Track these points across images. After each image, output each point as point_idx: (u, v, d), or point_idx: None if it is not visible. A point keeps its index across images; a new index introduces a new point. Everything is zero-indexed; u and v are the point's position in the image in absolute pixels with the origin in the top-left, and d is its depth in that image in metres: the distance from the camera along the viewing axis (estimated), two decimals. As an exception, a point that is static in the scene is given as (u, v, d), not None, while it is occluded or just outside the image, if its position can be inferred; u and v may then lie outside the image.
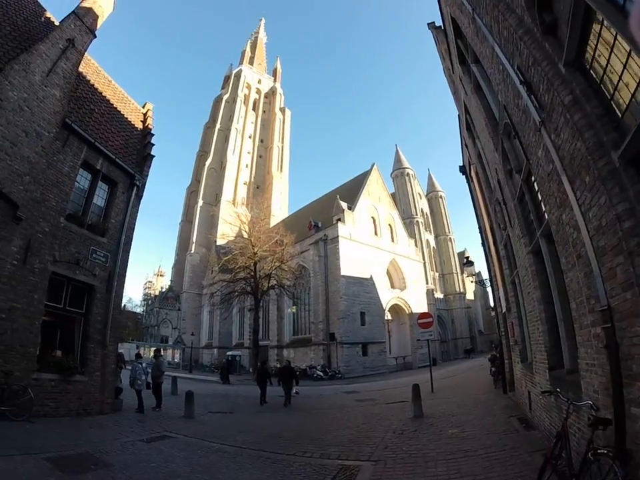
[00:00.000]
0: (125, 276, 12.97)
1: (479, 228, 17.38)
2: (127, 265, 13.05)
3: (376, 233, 42.41)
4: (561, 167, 4.00)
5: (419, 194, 65.28)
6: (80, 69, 12.47)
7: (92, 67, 14.86)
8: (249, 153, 78.16)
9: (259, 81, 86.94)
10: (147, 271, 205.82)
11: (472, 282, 18.84)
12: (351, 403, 15.11)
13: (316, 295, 37.13)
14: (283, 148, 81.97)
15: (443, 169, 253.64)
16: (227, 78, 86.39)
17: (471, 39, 8.09)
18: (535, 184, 5.99)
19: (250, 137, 79.64)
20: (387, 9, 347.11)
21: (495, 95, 7.56)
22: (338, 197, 40.28)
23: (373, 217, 42.69)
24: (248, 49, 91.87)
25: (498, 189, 9.16)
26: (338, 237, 36.54)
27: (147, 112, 16.76)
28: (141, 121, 16.27)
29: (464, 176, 18.41)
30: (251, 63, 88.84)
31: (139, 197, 14.03)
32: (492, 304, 68.68)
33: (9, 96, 8.93)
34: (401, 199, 59.81)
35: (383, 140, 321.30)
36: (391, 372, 36.12)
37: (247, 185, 72.58)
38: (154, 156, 15.25)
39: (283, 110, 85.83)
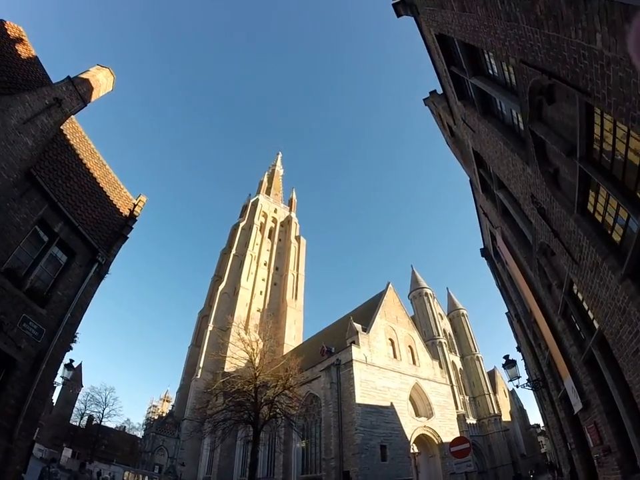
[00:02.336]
0: (60, 362, 11.18)
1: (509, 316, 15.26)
2: (67, 349, 11.35)
3: (395, 356, 38.74)
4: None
5: (440, 314, 63.33)
6: (71, 142, 12.99)
7: (87, 146, 14.70)
8: (263, 280, 78.48)
9: (275, 210, 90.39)
10: (154, 395, 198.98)
11: (517, 386, 15.03)
12: None
13: (327, 426, 32.59)
14: (297, 276, 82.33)
15: (461, 286, 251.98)
16: (245, 207, 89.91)
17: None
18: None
19: (265, 264, 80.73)
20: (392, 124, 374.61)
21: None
22: (351, 318, 37.72)
23: (390, 339, 39.36)
24: (265, 179, 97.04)
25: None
26: (352, 360, 33.17)
27: (138, 202, 16.35)
28: (129, 209, 15.82)
29: (485, 259, 16.53)
30: (268, 193, 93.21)
31: (100, 276, 12.89)
32: (534, 422, 62.23)
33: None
34: (421, 321, 57.51)
35: (398, 265, 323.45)
36: (423, 515, 30.67)
37: (260, 312, 70.82)
38: (127, 237, 14.64)
39: (298, 238, 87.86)
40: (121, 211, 15.23)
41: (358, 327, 36.27)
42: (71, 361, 15.37)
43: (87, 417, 70.65)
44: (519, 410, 70.78)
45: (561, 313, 8.13)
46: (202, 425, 30.04)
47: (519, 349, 14.49)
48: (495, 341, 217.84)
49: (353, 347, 34.08)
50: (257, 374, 28.52)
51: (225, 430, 28.28)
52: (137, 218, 15.55)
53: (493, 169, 9.09)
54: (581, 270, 5.71)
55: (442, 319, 63.76)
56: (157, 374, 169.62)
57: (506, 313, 33.19)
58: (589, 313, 6.42)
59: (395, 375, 36.66)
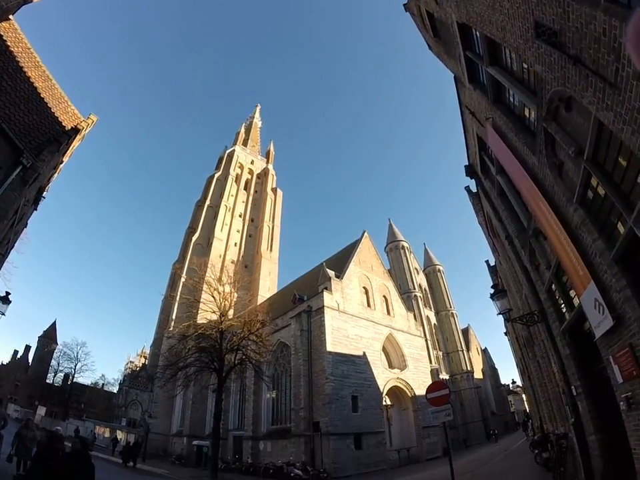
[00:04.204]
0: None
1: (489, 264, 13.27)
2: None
3: (369, 305, 37.23)
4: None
5: (416, 269, 62.43)
6: (11, 48, 12.90)
7: (30, 56, 14.41)
8: (238, 231, 76.22)
9: (252, 162, 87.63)
10: (131, 351, 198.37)
11: (508, 320, 12.78)
12: None
13: (297, 375, 31.14)
14: (273, 228, 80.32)
15: (438, 244, 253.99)
16: (221, 159, 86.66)
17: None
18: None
19: (240, 216, 78.37)
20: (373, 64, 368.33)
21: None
22: (324, 264, 35.83)
23: (364, 288, 37.73)
24: (242, 131, 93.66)
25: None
26: (323, 307, 31.45)
27: (89, 122, 16.32)
28: (74, 125, 15.35)
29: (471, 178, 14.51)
30: (245, 144, 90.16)
31: (25, 181, 11.61)
32: (504, 381, 62.83)
33: None
34: (396, 274, 56.20)
35: (376, 221, 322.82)
36: (393, 468, 29.89)
37: (234, 263, 68.52)
38: (62, 143, 13.71)
39: (274, 190, 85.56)
40: (63, 124, 14.72)
41: (331, 273, 34.55)
42: (7, 293, 13.40)
43: (60, 374, 69.65)
44: (490, 368, 72.17)
45: (578, 199, 6.06)
46: (171, 376, 28.23)
47: (494, 292, 11.91)
48: (471, 300, 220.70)
49: (325, 293, 32.38)
50: (222, 319, 27.11)
51: (189, 377, 26.72)
52: (83, 134, 15.49)
53: (483, 30, 7.68)
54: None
55: (418, 273, 62.88)
56: (136, 330, 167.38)
57: (485, 261, 31.97)
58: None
59: (368, 324, 35.27)
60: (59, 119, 14.62)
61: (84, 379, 72.65)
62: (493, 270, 29.29)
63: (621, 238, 5.22)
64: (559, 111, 5.99)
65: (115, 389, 73.39)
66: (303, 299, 35.21)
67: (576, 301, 7.81)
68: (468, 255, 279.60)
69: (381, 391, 33.35)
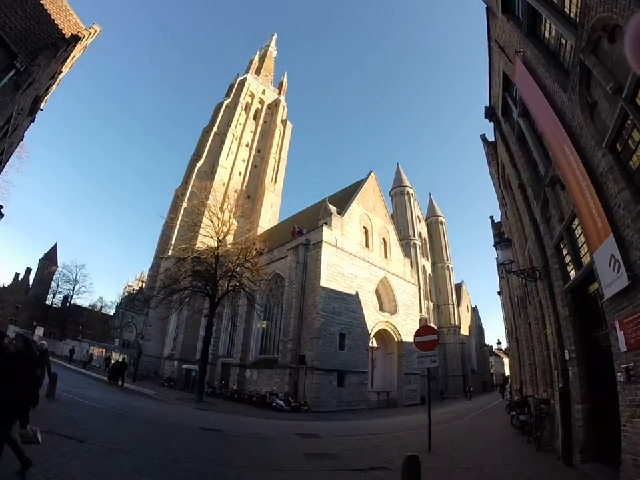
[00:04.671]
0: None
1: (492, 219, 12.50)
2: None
3: (367, 246, 36.84)
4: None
5: (418, 217, 62.16)
6: None
7: None
8: (243, 161, 74.47)
9: (263, 92, 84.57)
10: (130, 275, 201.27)
11: (509, 272, 12.13)
12: (294, 459, 8.82)
13: (289, 307, 31.19)
14: (279, 160, 78.23)
15: (445, 198, 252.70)
16: (232, 87, 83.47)
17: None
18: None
19: (247, 146, 76.36)
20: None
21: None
22: (327, 199, 35.06)
23: (364, 227, 37.21)
24: (256, 59, 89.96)
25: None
26: (321, 241, 31.01)
27: (91, 31, 15.73)
28: (74, 33, 14.72)
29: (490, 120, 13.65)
30: (257, 73, 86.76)
31: (18, 86, 11.19)
32: (489, 342, 64.30)
33: None
34: (398, 219, 56.02)
35: (386, 166, 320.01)
36: (372, 409, 30.62)
37: (237, 192, 67.70)
38: (60, 48, 13.16)
39: (284, 122, 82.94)
40: (63, 32, 14.06)
41: (333, 208, 33.88)
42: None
43: (60, 295, 70.15)
44: (477, 327, 73.37)
45: (608, 143, 5.37)
46: (165, 297, 28.11)
47: (499, 240, 11.10)
48: (467, 259, 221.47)
49: (324, 228, 31.86)
50: (219, 244, 27.00)
51: (182, 300, 26.54)
52: (85, 44, 15.05)
53: None
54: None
55: (419, 222, 62.43)
56: (136, 256, 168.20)
57: (490, 217, 31.16)
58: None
59: (364, 264, 35.03)
60: (59, 27, 13.91)
61: (82, 300, 74.16)
62: (496, 227, 28.65)
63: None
64: (601, 42, 5.41)
65: (112, 312, 74.55)
66: (302, 232, 34.76)
67: (585, 260, 7.15)
68: (473, 213, 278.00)
69: (369, 332, 33.56)
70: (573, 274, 8.10)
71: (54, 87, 18.58)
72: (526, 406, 12.64)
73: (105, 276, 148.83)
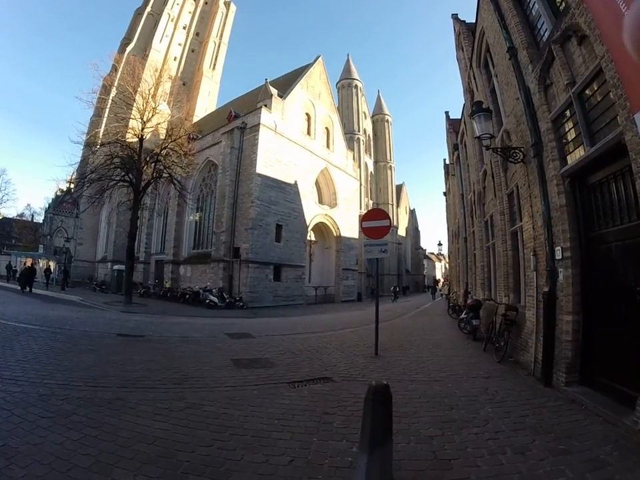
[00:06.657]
0: None
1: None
2: None
3: (309, 134, 34.41)
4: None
5: (364, 113, 60.00)
6: None
7: None
8: (180, 44, 68.19)
9: (205, -32, 75.41)
10: (59, 176, 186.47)
11: (488, 149, 9.45)
12: (219, 369, 7.04)
13: (222, 196, 28.86)
14: (219, 44, 72.33)
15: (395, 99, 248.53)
16: (170, -38, 73.72)
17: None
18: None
19: (184, 28, 69.65)
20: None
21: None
22: (267, 80, 31.60)
23: (307, 114, 34.53)
24: None
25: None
26: (259, 124, 28.18)
27: None
28: None
29: None
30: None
31: None
32: (424, 245, 66.67)
33: None
34: (344, 112, 53.62)
35: (336, 56, 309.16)
36: (309, 304, 30.41)
37: (172, 79, 62.15)
38: None
39: (227, 4, 75.35)
40: None
41: (273, 90, 30.62)
42: None
43: None
44: (414, 229, 75.29)
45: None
46: (82, 185, 24.85)
47: (476, 110, 8.47)
48: (409, 161, 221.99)
49: (263, 110, 28.89)
50: (143, 125, 23.93)
51: (102, 192, 23.22)
52: None
53: None
54: None
55: (365, 118, 60.36)
56: (65, 155, 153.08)
57: (445, 112, 29.14)
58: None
59: (305, 152, 32.93)
60: None
61: (7, 209, 68.05)
62: (451, 122, 26.63)
63: None
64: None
65: (40, 219, 69.32)
66: (239, 116, 31.55)
67: (601, 134, 5.12)
68: (419, 117, 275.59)
69: (307, 224, 32.48)
70: (577, 154, 6.14)
71: None
72: (480, 310, 11.39)
73: (31, 180, 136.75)
